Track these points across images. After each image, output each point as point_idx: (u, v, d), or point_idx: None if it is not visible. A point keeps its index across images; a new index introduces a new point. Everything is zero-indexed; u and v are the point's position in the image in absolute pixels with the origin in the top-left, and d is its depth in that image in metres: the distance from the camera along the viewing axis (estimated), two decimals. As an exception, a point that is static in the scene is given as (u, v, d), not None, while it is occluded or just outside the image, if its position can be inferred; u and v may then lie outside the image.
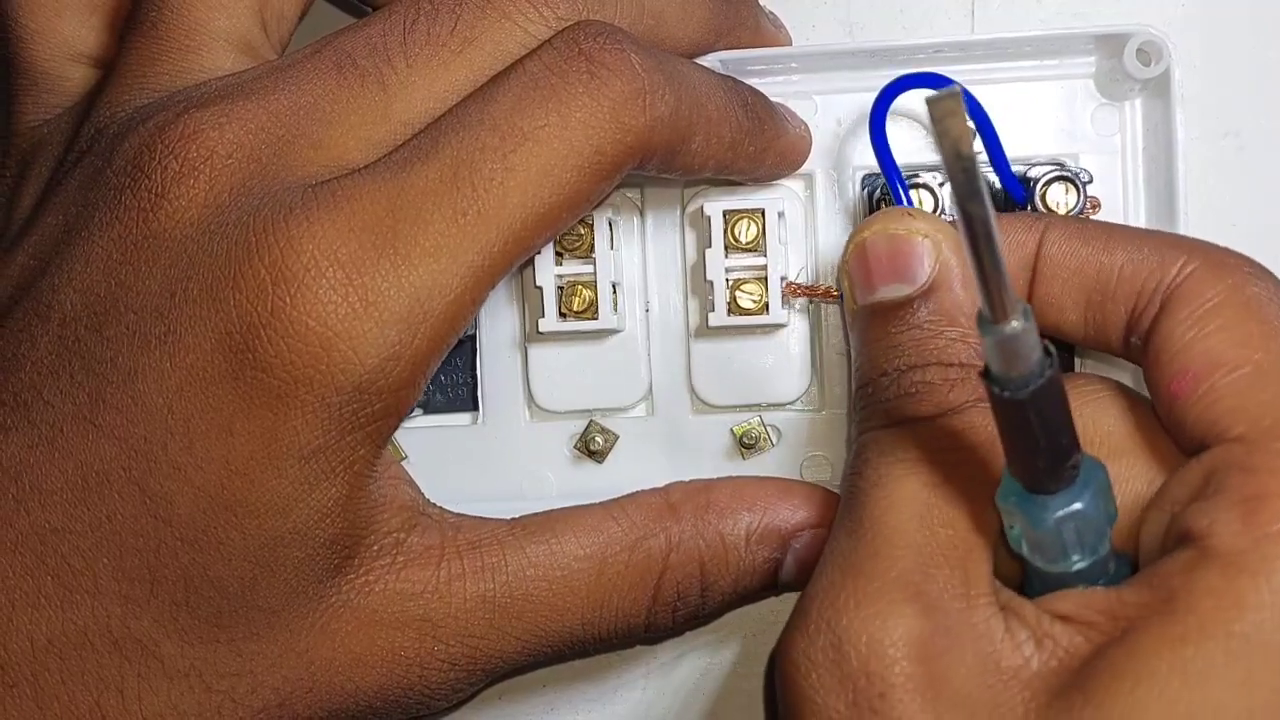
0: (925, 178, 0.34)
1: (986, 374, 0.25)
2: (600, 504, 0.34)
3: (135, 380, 0.28)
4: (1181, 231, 0.34)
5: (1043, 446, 0.25)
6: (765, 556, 0.34)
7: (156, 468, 0.28)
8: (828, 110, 0.36)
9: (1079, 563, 0.27)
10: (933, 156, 0.36)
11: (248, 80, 0.31)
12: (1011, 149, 0.35)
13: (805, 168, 0.36)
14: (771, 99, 0.35)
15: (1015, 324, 0.23)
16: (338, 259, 0.28)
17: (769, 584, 0.34)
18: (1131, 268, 0.30)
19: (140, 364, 0.28)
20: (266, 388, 0.28)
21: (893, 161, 0.33)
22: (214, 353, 0.28)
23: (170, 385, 0.28)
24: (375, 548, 0.31)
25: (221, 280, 0.28)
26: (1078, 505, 0.26)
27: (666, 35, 0.34)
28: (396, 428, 0.30)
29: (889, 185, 0.33)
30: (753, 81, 0.35)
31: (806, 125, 0.36)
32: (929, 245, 0.31)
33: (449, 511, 0.33)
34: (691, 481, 0.34)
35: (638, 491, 0.34)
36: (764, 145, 0.34)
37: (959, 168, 0.22)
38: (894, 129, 0.35)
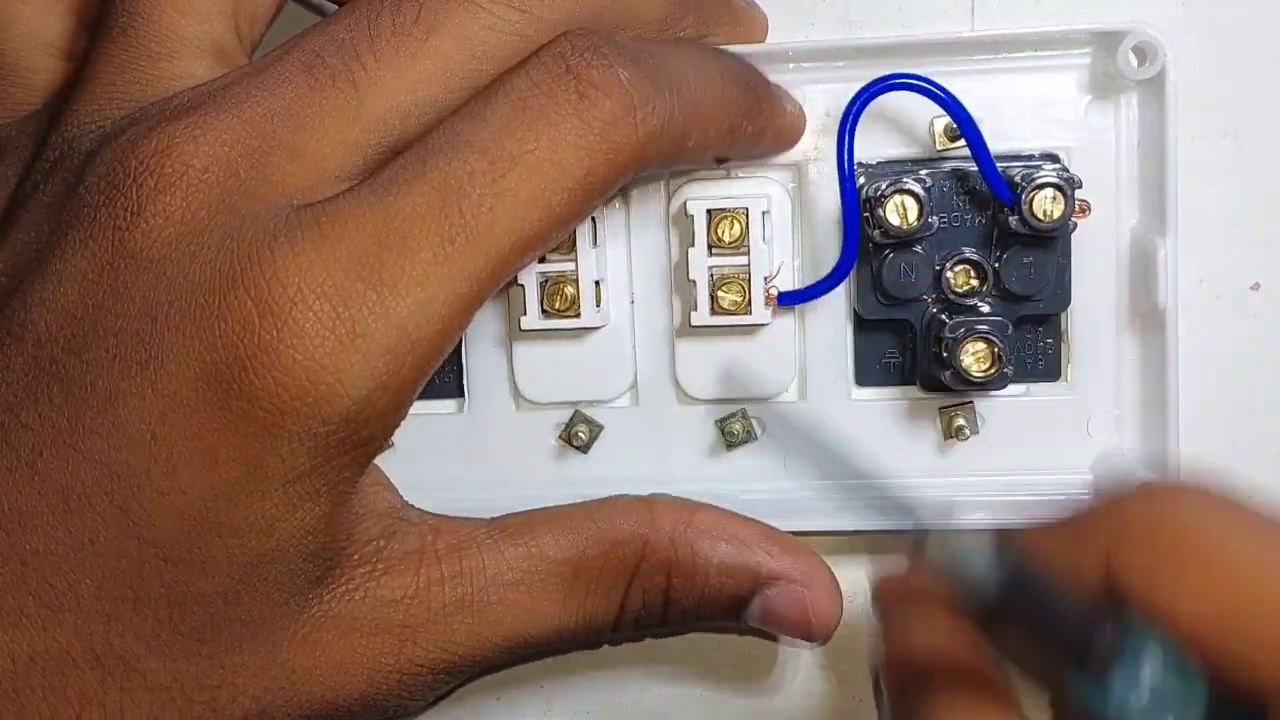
0: (911, 184, 0.33)
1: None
2: (581, 504, 0.34)
3: (115, 405, 0.29)
4: (1171, 233, 0.34)
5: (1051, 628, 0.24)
6: (732, 590, 0.34)
7: (139, 492, 0.29)
8: (815, 103, 0.36)
9: None
10: (909, 151, 0.35)
11: (219, 89, 0.30)
12: (1004, 144, 0.35)
13: (791, 158, 0.36)
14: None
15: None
16: (324, 292, 0.28)
17: (732, 618, 0.34)
18: None
19: (120, 389, 0.29)
20: (252, 418, 0.28)
21: (853, 179, 0.33)
22: (198, 381, 0.28)
23: (153, 412, 0.28)
24: (355, 556, 0.31)
25: (205, 308, 0.28)
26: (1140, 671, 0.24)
27: (635, 14, 0.33)
28: (382, 450, 0.31)
29: (843, 193, 0.33)
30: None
31: (800, 104, 0.35)
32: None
33: (428, 513, 0.33)
34: (677, 498, 0.35)
35: (621, 495, 0.34)
36: (762, 125, 0.34)
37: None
38: (875, 124, 0.35)
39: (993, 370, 0.33)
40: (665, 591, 0.34)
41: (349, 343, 0.28)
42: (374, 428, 0.29)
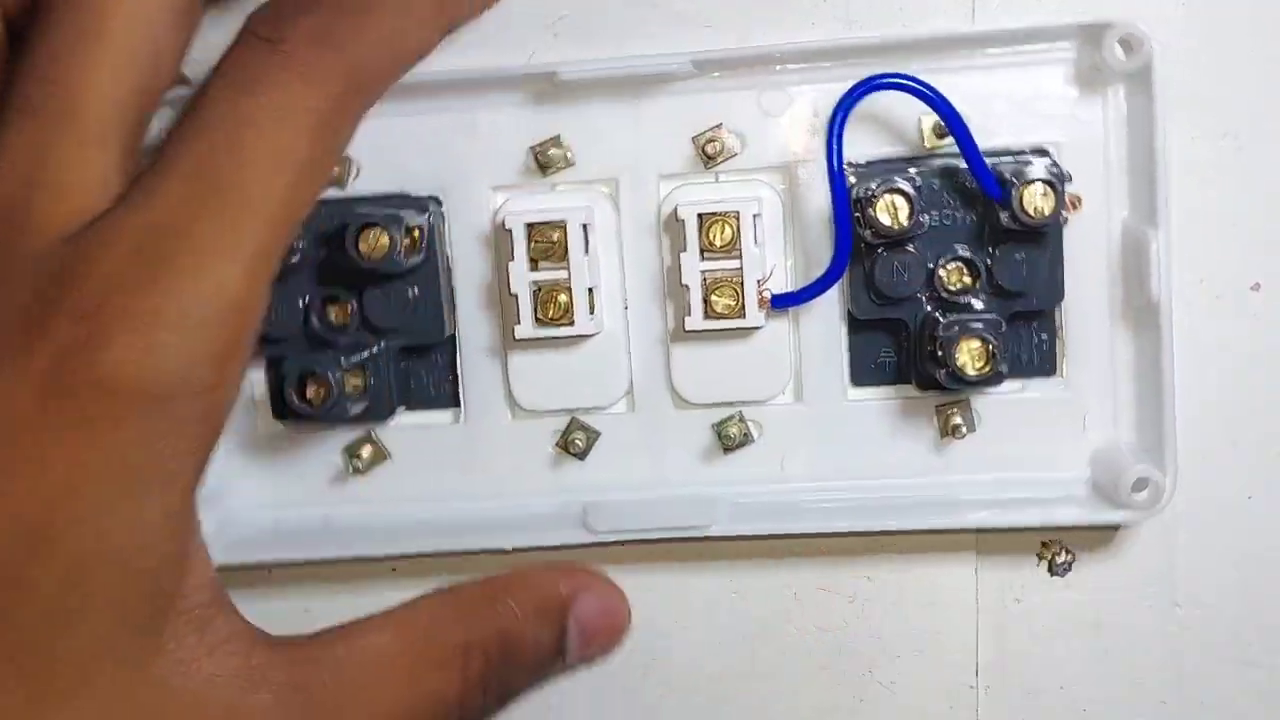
0: (902, 183, 0.33)
1: None
2: (399, 605, 0.34)
3: None
4: (1163, 225, 0.34)
5: None
6: (551, 628, 0.34)
7: None
8: (803, 105, 0.36)
9: None
10: (898, 149, 0.35)
11: None
12: (993, 139, 0.35)
13: (783, 160, 0.36)
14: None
15: None
16: (123, 286, 0.29)
17: (559, 658, 0.35)
18: None
19: None
20: (75, 412, 0.28)
21: (843, 181, 0.33)
22: (17, 395, 0.29)
23: None
24: (186, 618, 0.31)
25: (17, 332, 0.29)
26: None
27: None
28: (217, 436, 0.30)
29: (834, 197, 0.33)
30: (725, 79, 0.35)
31: None
32: None
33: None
34: (469, 579, 0.35)
35: (428, 593, 0.34)
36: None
37: None
38: (864, 124, 0.35)
39: (988, 369, 0.33)
40: (501, 652, 0.34)
41: (155, 321, 0.29)
42: (200, 404, 0.29)
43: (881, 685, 0.39)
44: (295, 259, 0.36)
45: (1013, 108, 0.35)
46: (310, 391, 0.34)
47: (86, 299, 0.29)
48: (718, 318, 0.35)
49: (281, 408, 0.36)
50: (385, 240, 0.34)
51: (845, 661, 0.39)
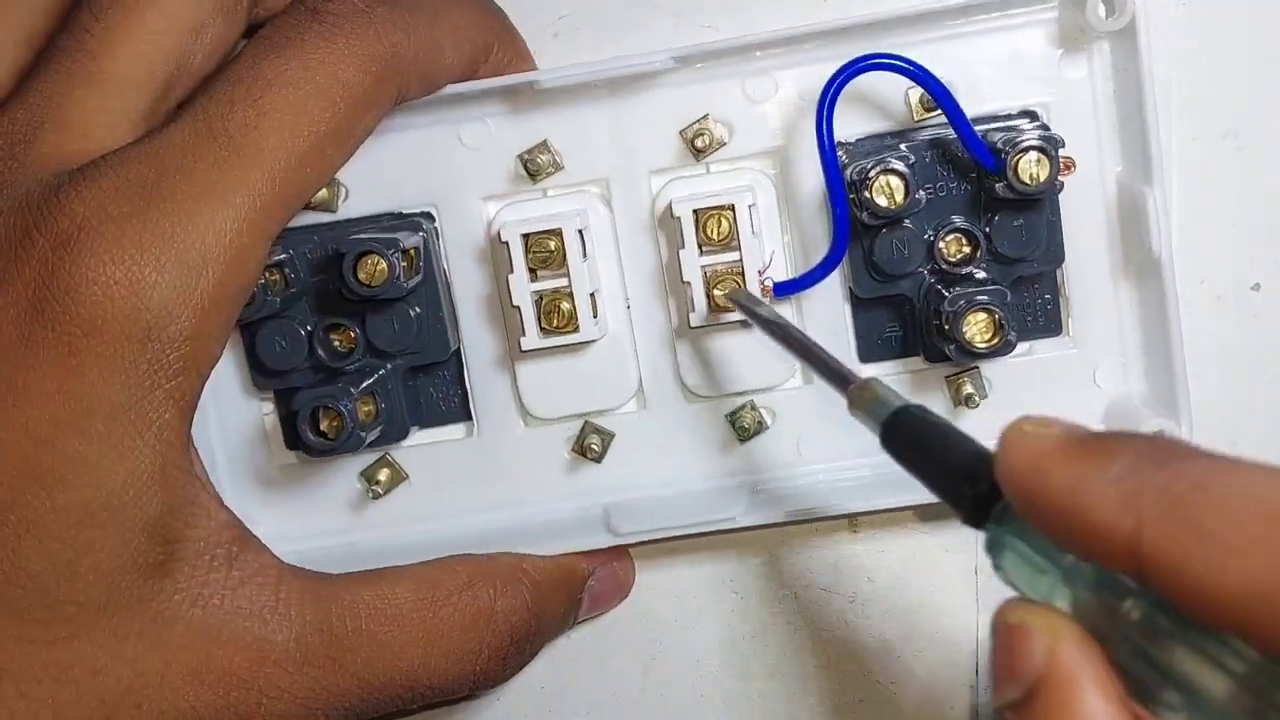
0: (895, 163, 0.33)
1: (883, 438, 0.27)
2: (423, 562, 0.35)
3: None
4: (1158, 180, 0.33)
5: (939, 471, 0.26)
6: (570, 605, 0.37)
7: None
8: (787, 89, 0.35)
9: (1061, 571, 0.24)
10: (887, 124, 0.35)
11: None
12: (981, 106, 0.35)
13: (773, 144, 0.35)
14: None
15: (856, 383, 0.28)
16: (110, 215, 0.29)
17: (571, 623, 0.37)
18: None
19: None
20: (58, 345, 0.29)
21: (837, 170, 0.33)
22: (6, 326, 0.29)
23: None
24: (207, 557, 0.31)
25: (5, 261, 0.29)
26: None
27: None
28: (199, 389, 0.31)
29: (830, 186, 0.33)
30: (708, 69, 0.35)
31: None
32: (1038, 640, 0.24)
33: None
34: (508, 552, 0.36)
35: (461, 554, 0.35)
36: (514, 54, 0.36)
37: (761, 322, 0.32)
38: (851, 103, 0.35)
39: (997, 340, 0.33)
40: (527, 624, 0.35)
41: (139, 256, 0.29)
42: (181, 350, 0.30)
43: (881, 685, 0.39)
44: (293, 290, 0.35)
45: (998, 72, 0.35)
46: (324, 424, 0.34)
47: (67, 224, 0.29)
48: (723, 310, 0.35)
49: (294, 438, 0.36)
50: (384, 266, 0.33)
51: (845, 661, 0.39)
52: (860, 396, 0.28)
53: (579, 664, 0.39)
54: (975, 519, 0.25)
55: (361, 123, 0.32)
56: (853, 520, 0.38)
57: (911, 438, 0.27)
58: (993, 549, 0.25)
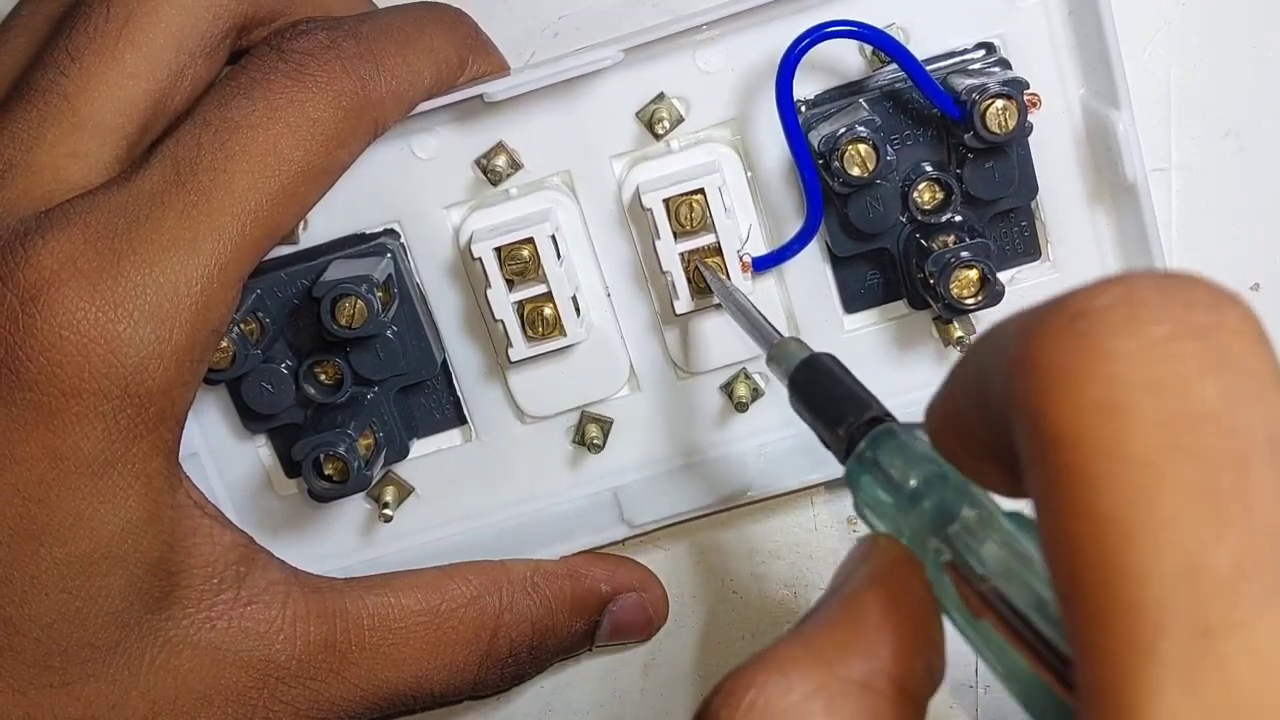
0: (861, 129, 0.33)
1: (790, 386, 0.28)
2: (437, 567, 0.35)
3: None
4: (1125, 104, 0.33)
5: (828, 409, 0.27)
6: (585, 620, 0.36)
7: None
8: (742, 51, 0.34)
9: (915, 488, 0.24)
10: (844, 79, 0.35)
11: None
12: (937, 44, 0.34)
13: (732, 113, 0.35)
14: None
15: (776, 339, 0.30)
16: (79, 269, 0.29)
17: (587, 645, 0.37)
18: None
19: None
20: (37, 405, 0.29)
21: (801, 136, 0.33)
22: None
23: None
24: (215, 581, 0.32)
25: None
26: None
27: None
28: (179, 433, 0.31)
29: (799, 163, 0.33)
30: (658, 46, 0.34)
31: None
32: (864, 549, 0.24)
33: (284, 561, 0.34)
34: (523, 559, 0.36)
35: (476, 560, 0.36)
36: (489, 65, 0.35)
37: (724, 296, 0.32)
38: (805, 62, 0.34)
39: (983, 294, 0.33)
40: (530, 639, 0.35)
41: (112, 312, 0.29)
42: (159, 403, 0.30)
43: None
44: (269, 335, 0.35)
45: (951, 9, 0.34)
46: (329, 469, 0.34)
47: (35, 277, 0.29)
48: (706, 293, 0.35)
49: (295, 468, 0.36)
50: (362, 306, 0.33)
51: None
52: (778, 352, 0.29)
53: (579, 664, 0.39)
54: (843, 458, 0.27)
55: (335, 159, 0.32)
56: (852, 520, 0.39)
57: (807, 390, 0.28)
58: (851, 485, 0.26)
